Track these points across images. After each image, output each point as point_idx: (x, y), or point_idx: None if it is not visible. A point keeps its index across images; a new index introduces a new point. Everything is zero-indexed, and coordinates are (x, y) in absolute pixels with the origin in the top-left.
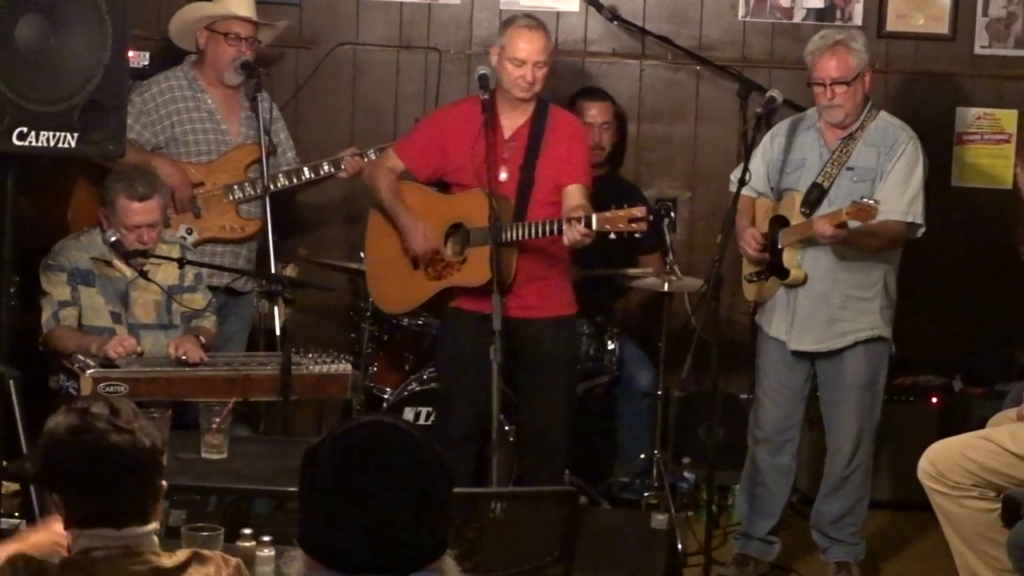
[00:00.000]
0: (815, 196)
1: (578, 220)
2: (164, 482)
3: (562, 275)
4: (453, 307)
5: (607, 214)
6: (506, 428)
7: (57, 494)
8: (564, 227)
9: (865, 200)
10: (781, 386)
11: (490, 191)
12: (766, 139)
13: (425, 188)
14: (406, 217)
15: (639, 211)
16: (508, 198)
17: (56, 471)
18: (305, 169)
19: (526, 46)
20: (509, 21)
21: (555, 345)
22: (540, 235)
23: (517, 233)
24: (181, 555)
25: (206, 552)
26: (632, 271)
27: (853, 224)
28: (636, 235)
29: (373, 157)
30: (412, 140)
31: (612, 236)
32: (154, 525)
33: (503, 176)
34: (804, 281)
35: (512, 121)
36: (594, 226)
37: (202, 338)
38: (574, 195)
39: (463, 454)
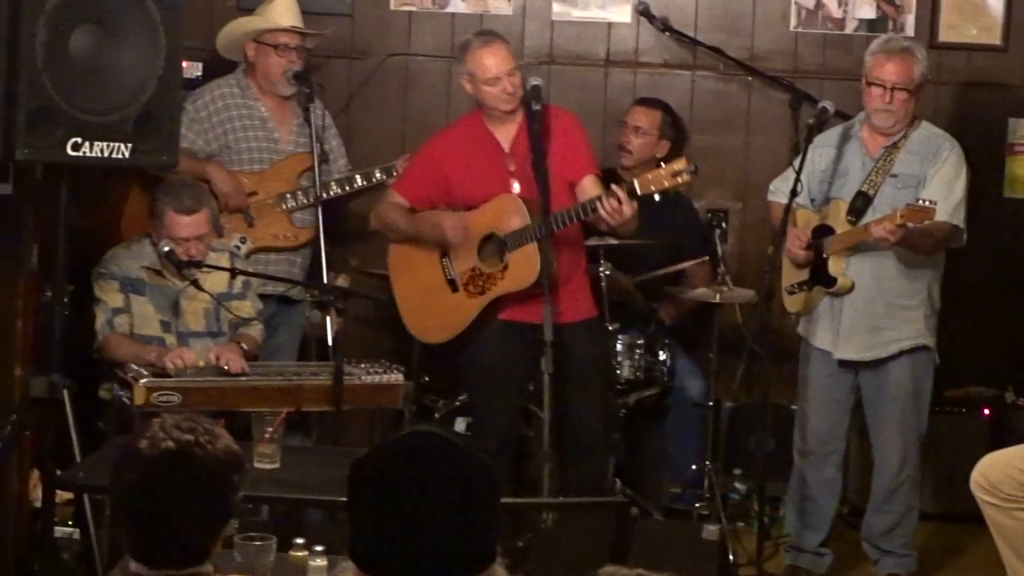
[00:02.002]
0: (860, 204)
1: (617, 189)
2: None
3: (583, 277)
4: (492, 320)
5: (648, 175)
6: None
7: (119, 518)
8: (605, 202)
9: (921, 201)
10: (826, 398)
11: (541, 191)
12: (809, 151)
13: (442, 211)
14: (432, 219)
15: (679, 163)
16: (535, 201)
17: (120, 504)
18: (357, 176)
19: (493, 61)
20: (465, 45)
21: (586, 349)
22: (583, 217)
23: (563, 220)
24: None
25: None
26: (683, 265)
27: (909, 226)
28: (681, 188)
29: None
30: (410, 175)
31: (657, 197)
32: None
33: (516, 189)
34: (851, 289)
35: (506, 134)
36: (638, 191)
37: (245, 345)
38: (589, 187)
39: (498, 464)
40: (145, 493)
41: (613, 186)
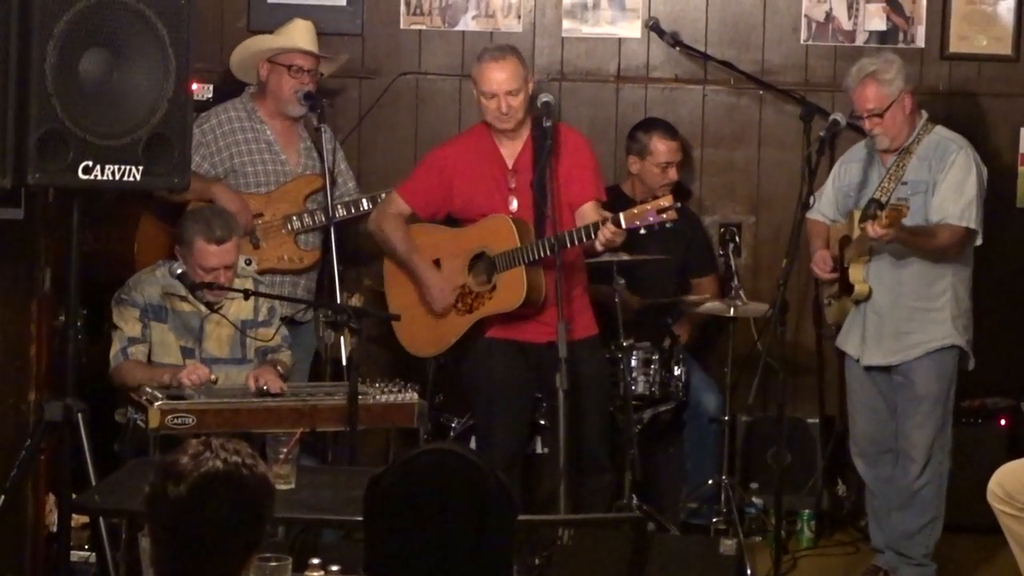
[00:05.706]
0: (872, 210)
1: (605, 221)
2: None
3: (583, 296)
4: (487, 338)
5: (634, 210)
6: (539, 452)
7: (149, 535)
8: (602, 231)
9: (898, 202)
10: (863, 404)
11: (544, 208)
12: (836, 167)
13: (437, 226)
14: (426, 273)
15: (665, 200)
16: (527, 223)
17: (158, 520)
18: (363, 200)
19: (495, 76)
20: (479, 56)
21: (584, 367)
22: (573, 244)
23: (553, 245)
24: None
25: None
26: (692, 297)
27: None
28: (667, 225)
29: None
30: (416, 181)
31: (643, 231)
32: None
33: (513, 206)
34: (868, 295)
35: (511, 150)
36: (623, 224)
37: (280, 368)
38: (588, 213)
39: None
40: (191, 510)
41: (608, 218)
